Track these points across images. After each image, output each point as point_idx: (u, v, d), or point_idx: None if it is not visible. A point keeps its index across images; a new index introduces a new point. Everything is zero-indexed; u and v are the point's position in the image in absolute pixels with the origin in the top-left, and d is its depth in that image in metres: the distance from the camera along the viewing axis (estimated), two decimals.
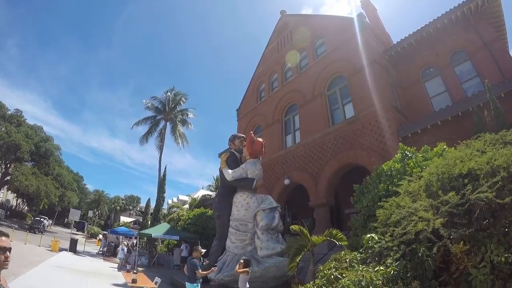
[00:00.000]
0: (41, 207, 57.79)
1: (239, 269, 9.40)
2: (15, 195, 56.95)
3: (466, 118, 13.51)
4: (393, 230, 5.69)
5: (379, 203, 7.54)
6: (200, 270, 9.70)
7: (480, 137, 6.70)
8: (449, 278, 4.90)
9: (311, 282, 6.38)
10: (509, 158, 5.07)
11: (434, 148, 9.82)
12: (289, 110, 25.23)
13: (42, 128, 52.38)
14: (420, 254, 4.92)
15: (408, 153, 10.38)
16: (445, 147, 9.39)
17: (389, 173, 10.08)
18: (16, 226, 33.34)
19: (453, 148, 7.39)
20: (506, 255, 4.20)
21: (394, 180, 9.21)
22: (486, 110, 11.58)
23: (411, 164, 9.59)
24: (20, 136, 42.32)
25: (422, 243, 5.00)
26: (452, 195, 5.18)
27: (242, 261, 9.20)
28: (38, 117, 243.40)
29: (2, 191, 58.65)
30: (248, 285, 9.01)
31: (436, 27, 18.29)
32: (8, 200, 64.58)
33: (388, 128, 16.33)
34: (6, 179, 47.83)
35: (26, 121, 48.68)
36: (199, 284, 9.78)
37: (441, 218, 4.96)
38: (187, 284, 9.62)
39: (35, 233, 34.27)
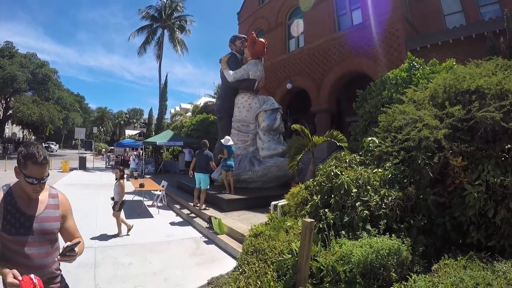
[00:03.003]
0: (47, 134, 58.99)
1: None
2: (20, 127, 56.85)
3: (480, 41, 13.08)
4: (395, 136, 5.83)
5: (381, 109, 7.60)
6: (213, 162, 10.82)
7: (492, 59, 6.56)
8: (443, 190, 5.05)
9: (311, 180, 6.67)
10: None
11: (443, 63, 9.66)
12: (293, 13, 24.17)
13: (36, 55, 50.23)
14: (419, 161, 5.08)
15: (415, 63, 10.23)
16: (454, 63, 9.20)
17: (394, 81, 9.97)
18: None
19: (463, 66, 7.27)
20: (502, 177, 4.30)
21: (399, 88, 9.11)
22: (502, 38, 11.25)
23: (418, 74, 9.45)
24: (15, 67, 40.63)
25: (423, 151, 5.14)
26: (458, 108, 5.20)
27: None
28: (31, 46, 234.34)
29: (7, 126, 58.12)
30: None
31: None
32: (14, 133, 64.14)
33: (396, 38, 15.97)
34: (8, 113, 47.22)
35: (19, 51, 46.54)
36: (209, 175, 10.99)
37: (445, 129, 5.04)
38: (197, 175, 10.66)
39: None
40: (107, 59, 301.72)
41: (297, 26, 22.77)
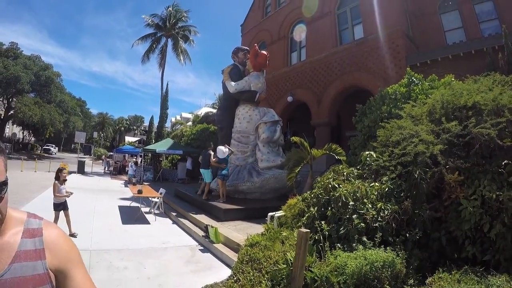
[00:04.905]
0: (47, 136, 58.58)
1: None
2: (21, 128, 56.83)
3: (479, 57, 13.16)
4: (392, 151, 5.89)
5: (380, 124, 7.67)
6: (212, 158, 12.19)
7: (490, 75, 6.63)
8: (439, 205, 5.10)
9: (308, 192, 6.72)
10: None
11: (442, 79, 9.74)
12: (295, 27, 24.37)
13: (40, 57, 50.26)
14: (416, 175, 5.14)
15: (415, 79, 10.31)
16: (453, 79, 9.28)
17: (393, 96, 10.06)
18: (25, 157, 33.82)
19: (461, 81, 7.34)
20: (498, 192, 4.33)
21: (398, 103, 9.19)
22: (501, 54, 11.36)
23: (417, 90, 9.54)
24: (19, 68, 40.58)
25: (419, 165, 5.19)
26: (455, 124, 5.27)
27: None
28: (35, 48, 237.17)
29: (8, 126, 57.81)
30: None
31: None
32: (14, 134, 64.24)
33: (397, 54, 16.08)
34: (10, 113, 46.98)
35: (23, 53, 46.62)
36: (210, 170, 12.56)
37: (441, 145, 5.10)
38: (202, 170, 12.80)
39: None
40: (110, 65, 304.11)
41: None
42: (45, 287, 1.12)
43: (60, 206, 8.52)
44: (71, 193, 9.02)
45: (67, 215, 8.47)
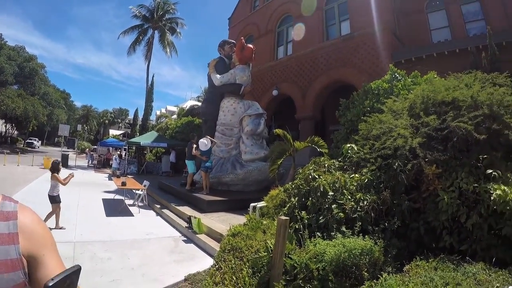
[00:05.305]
0: (30, 129, 57.25)
1: None
2: (3, 121, 55.07)
3: (463, 56, 13.38)
4: (373, 144, 6.00)
5: (362, 118, 7.78)
6: (194, 150, 12.42)
7: (472, 73, 6.75)
8: (418, 196, 5.20)
9: (290, 183, 6.81)
10: (493, 96, 5.21)
11: (425, 75, 9.88)
12: (283, 21, 24.45)
13: (25, 48, 49.40)
14: (395, 167, 5.25)
15: (397, 75, 10.46)
16: (435, 76, 9.41)
17: (376, 91, 10.19)
18: (8, 151, 33.26)
19: (443, 78, 7.46)
20: (475, 185, 4.45)
21: (381, 98, 9.30)
22: (485, 53, 11.55)
23: (399, 85, 9.68)
24: (2, 60, 39.91)
25: (398, 158, 5.31)
26: (433, 118, 5.39)
27: None
28: (19, 39, 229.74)
29: None
30: None
31: None
32: None
33: (382, 50, 16.26)
34: None
35: (7, 43, 45.54)
36: (194, 161, 12.91)
37: (419, 138, 5.21)
38: (186, 162, 13.35)
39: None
40: (96, 57, 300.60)
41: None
42: (16, 273, 1.04)
43: (58, 198, 8.54)
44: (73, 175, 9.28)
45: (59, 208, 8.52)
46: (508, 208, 4.03)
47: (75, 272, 0.85)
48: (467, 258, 4.14)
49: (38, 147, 60.86)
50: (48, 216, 8.20)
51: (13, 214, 1.12)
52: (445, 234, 4.70)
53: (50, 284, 0.80)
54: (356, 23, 18.07)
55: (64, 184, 8.64)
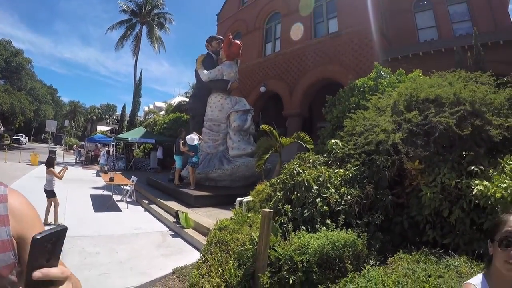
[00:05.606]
0: (17, 125, 56.45)
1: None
2: None
3: (448, 56, 13.55)
4: (357, 140, 6.13)
5: (347, 114, 7.89)
6: (182, 145, 12.65)
7: (456, 71, 6.87)
8: (402, 191, 5.31)
9: (275, 178, 6.91)
10: (475, 94, 5.32)
11: (410, 74, 10.03)
12: (271, 18, 24.53)
13: (11, 42, 48.28)
14: (378, 163, 5.37)
15: (383, 73, 10.60)
16: (420, 74, 9.52)
17: (362, 88, 10.29)
18: None
19: (428, 77, 7.57)
20: (457, 180, 4.53)
21: (366, 95, 9.39)
22: (470, 53, 11.73)
23: (384, 83, 9.81)
24: None
25: (381, 154, 5.42)
26: (415, 114, 5.49)
27: None
28: (5, 32, 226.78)
29: None
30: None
31: None
32: None
33: (369, 49, 16.44)
34: None
35: None
36: (181, 157, 13.10)
37: (400, 134, 5.31)
38: (175, 157, 13.52)
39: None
40: (83, 52, 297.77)
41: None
42: (7, 254, 1.08)
43: (53, 192, 8.67)
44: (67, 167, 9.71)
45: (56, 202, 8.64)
46: (489, 203, 4.11)
47: (62, 231, 0.89)
48: (450, 251, 4.21)
49: (25, 144, 59.95)
50: (47, 211, 8.30)
51: (3, 197, 1.17)
52: (428, 228, 4.78)
53: (38, 237, 0.83)
54: (344, 21, 18.21)
55: (60, 178, 8.87)
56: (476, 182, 4.36)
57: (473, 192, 4.29)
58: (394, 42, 18.34)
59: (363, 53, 16.65)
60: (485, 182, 4.28)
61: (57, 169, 9.42)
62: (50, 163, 9.08)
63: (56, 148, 38.48)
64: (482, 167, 4.64)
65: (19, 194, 1.26)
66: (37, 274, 0.84)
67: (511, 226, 1.48)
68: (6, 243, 1.09)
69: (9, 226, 1.12)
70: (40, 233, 0.85)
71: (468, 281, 1.65)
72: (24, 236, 1.13)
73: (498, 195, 4.05)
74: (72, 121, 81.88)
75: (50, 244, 0.87)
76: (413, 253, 4.23)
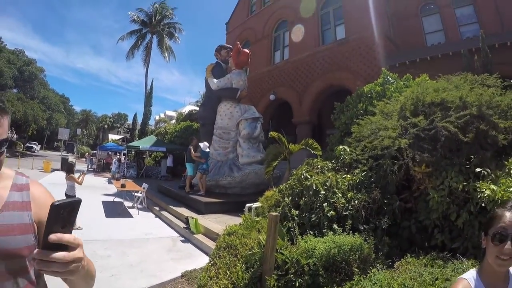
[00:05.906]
0: (29, 133, 56.95)
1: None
2: None
3: (456, 59, 13.37)
4: (364, 145, 6.14)
5: (355, 120, 7.93)
6: (193, 152, 12.81)
7: (462, 74, 6.85)
8: (410, 196, 5.33)
9: (284, 184, 6.98)
10: (482, 97, 5.29)
11: (417, 78, 10.02)
12: (279, 26, 24.68)
13: (24, 52, 49.55)
14: (385, 168, 5.40)
15: (390, 78, 10.62)
16: (427, 78, 9.52)
17: (369, 94, 10.31)
18: (8, 155, 33.32)
19: (434, 81, 7.56)
20: (464, 183, 4.52)
21: (373, 101, 9.42)
22: (477, 56, 11.67)
23: (392, 88, 9.81)
24: (2, 63, 40.06)
25: (387, 159, 5.46)
26: (421, 119, 5.50)
27: None
28: (18, 43, 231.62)
29: None
30: None
31: None
32: None
33: (377, 54, 16.43)
34: None
35: (7, 47, 45.77)
36: (192, 164, 13.37)
37: (406, 139, 5.31)
38: (186, 164, 13.93)
39: None
40: (95, 62, 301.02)
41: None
42: (29, 235, 1.24)
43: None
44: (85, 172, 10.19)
45: None
46: (496, 207, 4.13)
47: (77, 202, 1.02)
48: (458, 255, 4.20)
49: (38, 151, 60.77)
50: None
51: (26, 186, 1.36)
52: (437, 232, 4.77)
53: (56, 203, 0.97)
54: (351, 28, 18.28)
55: (80, 183, 9.14)
56: (483, 186, 4.34)
57: (479, 196, 4.27)
58: (402, 47, 18.32)
59: (371, 59, 16.67)
60: (492, 186, 4.26)
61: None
62: (69, 169, 9.37)
63: (68, 156, 38.86)
64: (488, 170, 4.62)
65: (40, 184, 1.46)
66: (53, 237, 0.97)
67: (506, 222, 1.52)
68: (28, 226, 1.26)
69: (31, 211, 1.30)
70: (58, 201, 0.98)
71: (462, 275, 1.70)
72: (43, 220, 1.15)
73: (505, 198, 4.04)
74: (84, 130, 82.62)
75: (66, 212, 0.99)
76: (420, 257, 4.23)
